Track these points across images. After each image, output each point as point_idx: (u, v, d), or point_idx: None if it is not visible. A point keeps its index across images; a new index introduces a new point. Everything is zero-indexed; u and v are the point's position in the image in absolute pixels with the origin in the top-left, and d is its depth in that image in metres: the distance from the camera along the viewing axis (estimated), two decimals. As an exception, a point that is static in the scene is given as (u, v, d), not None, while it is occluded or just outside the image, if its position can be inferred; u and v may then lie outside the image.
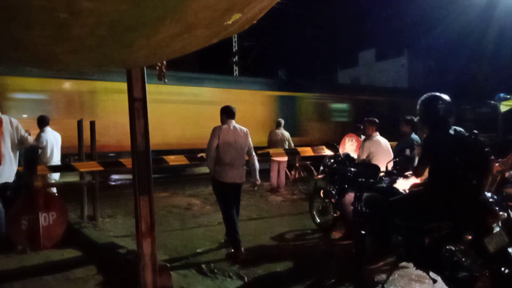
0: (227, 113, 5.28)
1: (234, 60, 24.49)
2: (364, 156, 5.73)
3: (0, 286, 4.11)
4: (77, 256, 5.06)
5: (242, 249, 5.05)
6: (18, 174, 6.06)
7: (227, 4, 1.55)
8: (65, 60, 1.92)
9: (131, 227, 6.02)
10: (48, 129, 6.97)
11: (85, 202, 7.04)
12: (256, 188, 5.75)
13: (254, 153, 5.42)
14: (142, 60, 2.50)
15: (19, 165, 6.13)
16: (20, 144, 5.18)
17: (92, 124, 6.92)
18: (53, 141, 6.96)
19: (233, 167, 5.12)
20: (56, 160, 6.97)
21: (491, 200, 3.27)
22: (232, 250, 5.09)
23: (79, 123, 7.13)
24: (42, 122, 6.94)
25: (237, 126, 5.26)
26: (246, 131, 5.31)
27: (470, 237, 3.21)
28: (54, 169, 6.61)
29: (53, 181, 6.81)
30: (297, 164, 10.64)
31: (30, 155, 5.85)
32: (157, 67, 3.46)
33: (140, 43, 1.77)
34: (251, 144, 5.36)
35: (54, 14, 1.35)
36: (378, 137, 5.91)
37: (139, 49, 1.91)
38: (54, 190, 6.70)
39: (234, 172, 5.14)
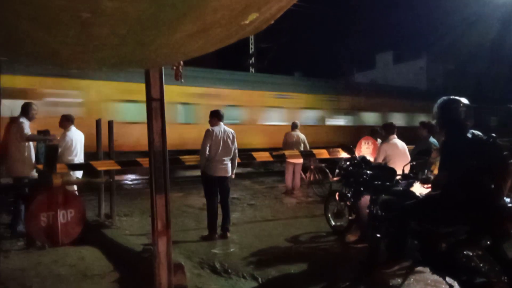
0: (218, 116, 6.08)
1: (251, 61, 24.55)
2: (380, 159, 5.69)
3: (19, 281, 4.19)
4: (94, 253, 5.12)
5: (217, 235, 5.90)
6: (38, 171, 6.22)
7: (244, 4, 1.56)
8: (86, 59, 1.96)
9: (147, 225, 6.08)
10: (73, 128, 7.09)
11: (102, 200, 7.14)
12: (233, 177, 6.34)
13: (237, 153, 6.21)
14: (161, 59, 2.54)
15: (39, 162, 6.29)
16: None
17: (110, 123, 7.02)
18: (78, 140, 7.07)
19: (221, 163, 5.94)
20: (80, 159, 7.07)
21: (510, 205, 3.21)
22: (207, 234, 5.90)
23: (98, 123, 7.24)
24: (68, 121, 7.06)
25: (226, 128, 6.07)
26: (233, 133, 6.12)
27: (488, 243, 3.15)
28: (73, 167, 6.72)
29: (74, 179, 6.91)
30: (312, 167, 10.60)
31: (50, 153, 5.97)
32: (174, 67, 3.51)
33: (159, 42, 1.80)
34: (236, 145, 6.16)
35: (77, 14, 1.38)
36: (395, 140, 5.86)
37: (158, 48, 1.94)
38: (75, 187, 6.82)
39: (223, 167, 5.96)
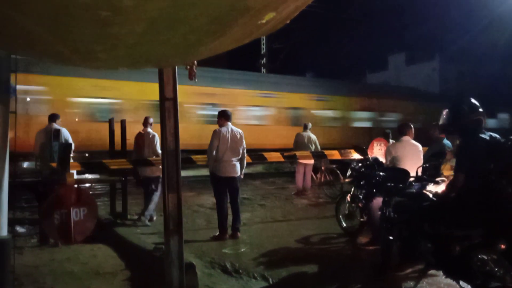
0: (225, 116, 6.09)
1: (262, 62, 24.56)
2: (387, 160, 5.62)
3: (32, 277, 4.24)
4: (106, 251, 5.18)
5: (227, 235, 5.92)
6: (52, 170, 6.30)
7: (262, 3, 1.56)
8: (103, 58, 1.98)
9: (158, 224, 6.12)
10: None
11: (115, 199, 7.20)
12: (242, 177, 6.33)
13: (245, 153, 6.20)
14: (176, 59, 2.55)
15: (53, 161, 6.38)
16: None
17: (123, 122, 7.08)
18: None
19: (229, 163, 5.93)
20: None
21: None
22: (217, 234, 5.93)
23: (110, 122, 7.30)
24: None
25: (234, 128, 6.07)
26: (241, 133, 6.12)
27: (503, 246, 3.10)
28: (86, 166, 6.79)
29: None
30: (322, 168, 10.55)
31: (64, 152, 6.04)
32: (188, 67, 3.52)
33: (176, 41, 1.81)
34: (245, 144, 6.14)
35: (97, 12, 1.39)
36: (405, 141, 5.77)
37: (175, 48, 1.95)
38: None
39: (230, 167, 5.95)
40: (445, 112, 3.68)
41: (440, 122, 3.77)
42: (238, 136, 6.03)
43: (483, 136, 3.38)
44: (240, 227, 6.10)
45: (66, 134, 7.40)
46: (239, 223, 6.12)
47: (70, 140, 7.41)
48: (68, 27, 1.54)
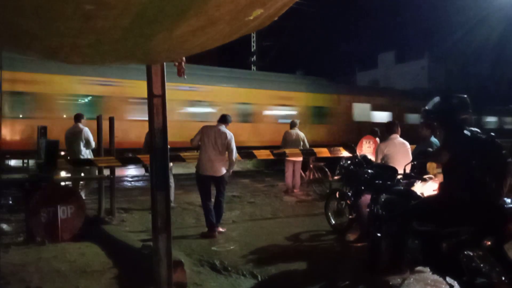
0: (222, 119, 6.22)
1: (252, 59, 24.56)
2: (378, 159, 5.66)
3: (19, 276, 4.19)
4: (94, 249, 5.12)
5: (216, 233, 5.92)
6: (39, 167, 6.23)
7: (249, -1, 1.55)
8: (88, 53, 1.95)
9: (147, 222, 6.08)
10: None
11: (103, 196, 7.14)
12: (229, 174, 6.31)
13: (233, 152, 6.07)
14: (163, 55, 2.52)
15: (39, 158, 6.31)
16: None
17: (111, 120, 7.01)
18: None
19: (210, 162, 5.95)
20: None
21: (511, 205, 3.19)
22: (206, 230, 5.92)
23: (98, 119, 7.23)
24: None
25: (222, 129, 6.06)
26: (230, 134, 6.06)
27: (489, 243, 3.14)
28: (74, 163, 6.73)
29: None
30: (311, 166, 10.57)
31: (50, 149, 5.96)
32: (176, 63, 3.49)
33: (162, 37, 1.79)
34: (232, 145, 6.05)
35: (80, 6, 1.37)
36: (394, 139, 5.82)
37: (161, 43, 1.93)
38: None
39: (211, 166, 5.96)
40: (436, 99, 3.65)
41: (427, 107, 3.72)
42: (223, 137, 5.99)
43: (466, 132, 3.40)
44: (218, 226, 6.07)
45: (86, 133, 7.91)
46: (219, 222, 6.11)
47: (91, 140, 7.89)
48: (51, 21, 1.51)
